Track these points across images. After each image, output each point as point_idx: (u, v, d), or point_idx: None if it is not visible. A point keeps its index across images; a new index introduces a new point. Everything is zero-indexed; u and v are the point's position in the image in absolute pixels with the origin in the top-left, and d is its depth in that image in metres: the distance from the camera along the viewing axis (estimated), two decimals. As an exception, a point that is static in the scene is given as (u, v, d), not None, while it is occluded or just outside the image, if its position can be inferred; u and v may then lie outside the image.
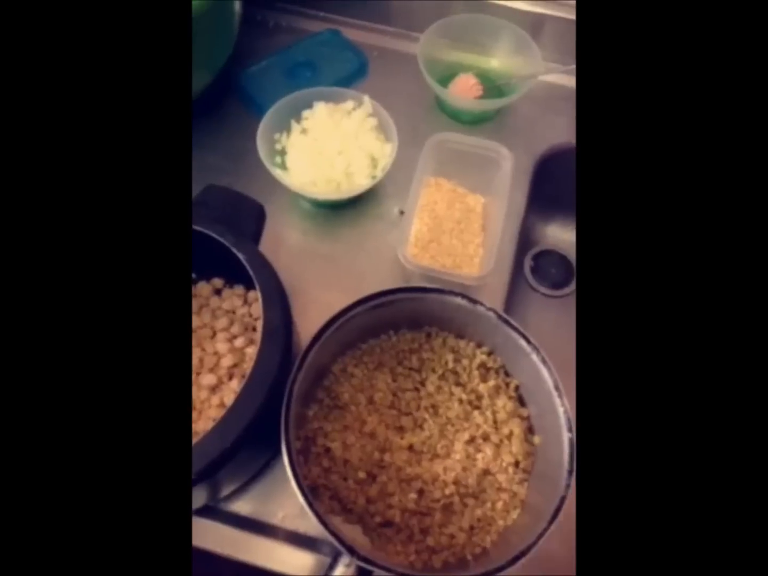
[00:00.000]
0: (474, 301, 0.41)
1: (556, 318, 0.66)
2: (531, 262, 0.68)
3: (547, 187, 0.61)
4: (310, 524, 0.42)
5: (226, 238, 0.40)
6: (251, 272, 0.39)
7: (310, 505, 0.34)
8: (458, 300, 0.41)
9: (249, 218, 0.43)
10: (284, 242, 0.54)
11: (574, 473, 0.35)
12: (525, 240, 0.68)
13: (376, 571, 0.33)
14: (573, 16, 0.61)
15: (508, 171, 0.50)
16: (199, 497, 0.40)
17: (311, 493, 0.37)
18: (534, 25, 0.61)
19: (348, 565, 0.34)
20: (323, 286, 0.52)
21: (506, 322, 0.40)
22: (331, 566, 0.35)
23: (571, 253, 0.68)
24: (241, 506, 0.43)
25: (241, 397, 0.35)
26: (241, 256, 0.39)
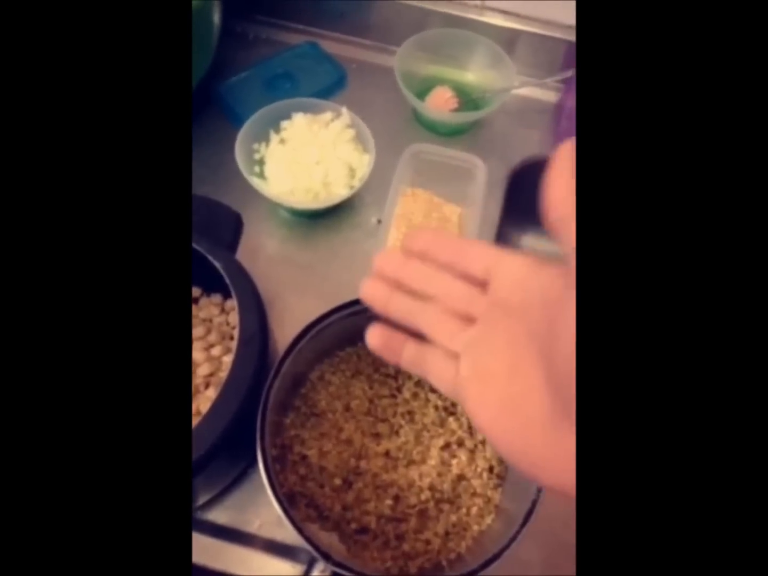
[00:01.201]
0: (448, 309, 0.42)
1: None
2: (507, 271, 0.69)
3: (521, 199, 0.62)
4: (287, 533, 0.42)
5: (202, 246, 0.40)
6: (227, 279, 0.39)
7: (286, 512, 0.34)
8: (433, 307, 0.42)
9: (226, 226, 0.43)
10: (262, 251, 0.54)
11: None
12: (501, 249, 0.69)
13: (351, 577, 0.34)
14: (546, 32, 0.63)
15: (483, 181, 0.51)
16: (174, 506, 0.40)
17: (288, 500, 0.37)
18: (508, 40, 0.62)
19: (323, 571, 0.34)
20: (300, 294, 0.52)
21: (480, 329, 0.41)
22: (306, 573, 0.35)
23: (547, 263, 0.69)
24: (218, 515, 0.43)
25: (216, 405, 0.36)
26: (216, 263, 0.39)
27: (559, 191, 0.21)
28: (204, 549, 0.41)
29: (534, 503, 0.35)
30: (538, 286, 0.22)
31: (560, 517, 0.41)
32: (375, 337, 0.27)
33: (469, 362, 0.23)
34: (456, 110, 0.60)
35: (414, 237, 0.26)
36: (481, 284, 0.24)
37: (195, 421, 0.41)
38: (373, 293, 0.27)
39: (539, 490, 0.36)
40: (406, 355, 0.26)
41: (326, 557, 0.33)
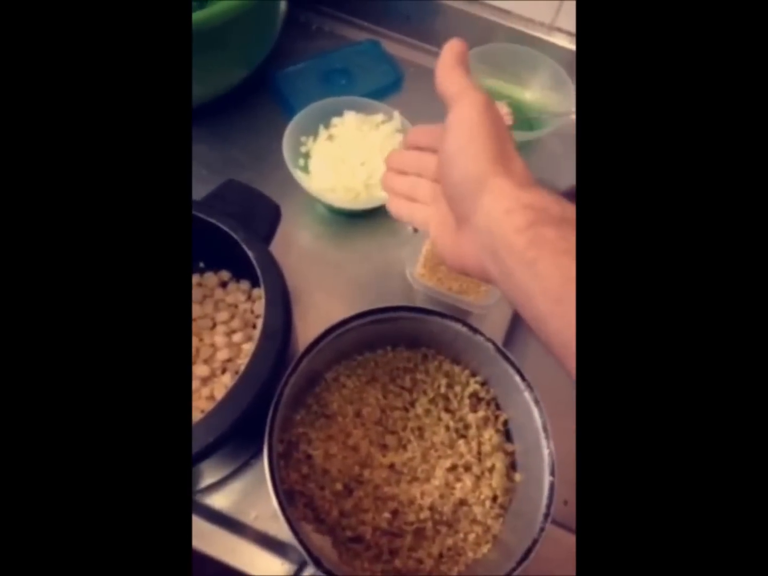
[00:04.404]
0: (474, 330, 0.41)
1: (555, 355, 0.65)
2: (538, 296, 0.68)
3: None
4: (281, 528, 0.42)
5: (238, 234, 0.40)
6: (258, 271, 0.39)
7: (283, 510, 0.34)
8: (458, 326, 0.41)
9: (264, 217, 0.43)
10: (296, 243, 0.54)
11: (550, 518, 0.35)
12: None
13: (340, 586, 0.33)
14: (612, 60, 0.61)
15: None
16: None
17: (286, 497, 0.37)
18: (573, 63, 0.61)
19: (313, 574, 0.34)
20: (327, 292, 0.52)
21: (503, 355, 0.40)
22: (297, 574, 0.35)
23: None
24: (216, 500, 0.43)
25: (231, 394, 0.36)
26: (250, 253, 0.39)
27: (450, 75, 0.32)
28: (198, 531, 0.41)
29: (535, 542, 0.35)
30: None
31: (558, 559, 0.40)
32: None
33: (435, 205, 0.35)
34: (509, 128, 0.59)
35: (407, 135, 0.37)
36: None
37: (208, 405, 0.42)
38: (385, 181, 0.38)
39: (541, 530, 0.35)
40: (405, 210, 0.36)
41: (317, 562, 0.33)
